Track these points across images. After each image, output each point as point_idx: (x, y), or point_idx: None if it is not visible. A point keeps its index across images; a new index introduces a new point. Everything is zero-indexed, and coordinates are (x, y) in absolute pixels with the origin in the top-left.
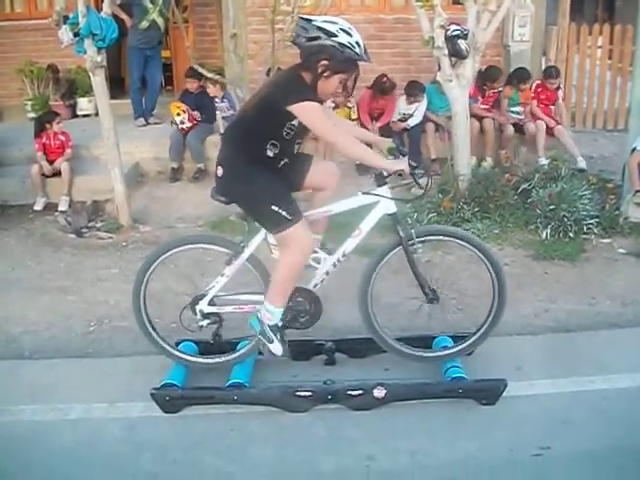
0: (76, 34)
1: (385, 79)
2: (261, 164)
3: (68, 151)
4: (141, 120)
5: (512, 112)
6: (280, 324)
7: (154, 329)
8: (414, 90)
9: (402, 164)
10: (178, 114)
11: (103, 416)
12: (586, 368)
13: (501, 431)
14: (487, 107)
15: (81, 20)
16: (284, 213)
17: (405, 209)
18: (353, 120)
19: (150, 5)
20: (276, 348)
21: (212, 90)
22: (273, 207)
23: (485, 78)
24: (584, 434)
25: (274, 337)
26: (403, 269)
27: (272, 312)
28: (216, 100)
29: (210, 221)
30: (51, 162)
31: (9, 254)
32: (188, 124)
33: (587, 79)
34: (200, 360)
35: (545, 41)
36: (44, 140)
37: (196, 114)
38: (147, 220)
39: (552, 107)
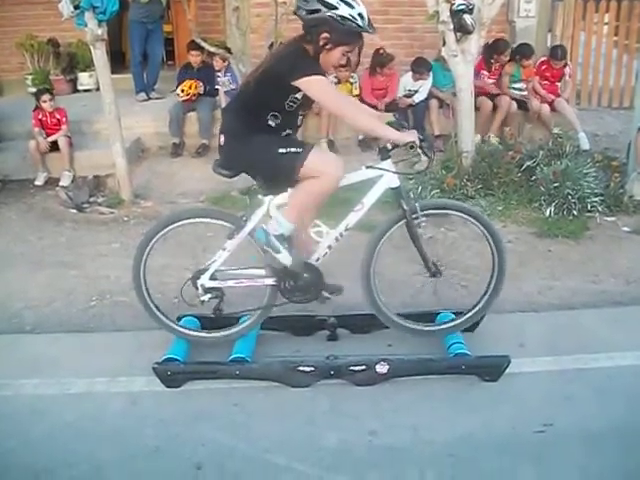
0: (76, 7)
1: (381, 50)
2: (263, 132)
3: (64, 127)
4: (142, 95)
5: (514, 89)
6: (287, 234)
7: (154, 303)
8: (420, 67)
9: (412, 136)
10: (182, 90)
11: (105, 390)
12: (590, 346)
13: (504, 407)
14: (494, 80)
15: None
16: (293, 149)
17: (408, 185)
18: (355, 97)
19: None
20: (284, 258)
21: (219, 64)
22: (280, 150)
23: (492, 50)
24: (587, 411)
25: (280, 246)
26: (406, 246)
27: (281, 223)
28: (218, 75)
29: (212, 197)
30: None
31: (10, 229)
32: (179, 100)
33: (593, 56)
34: (202, 334)
35: (551, 17)
36: (40, 116)
37: (200, 84)
38: (148, 195)
39: (558, 84)
